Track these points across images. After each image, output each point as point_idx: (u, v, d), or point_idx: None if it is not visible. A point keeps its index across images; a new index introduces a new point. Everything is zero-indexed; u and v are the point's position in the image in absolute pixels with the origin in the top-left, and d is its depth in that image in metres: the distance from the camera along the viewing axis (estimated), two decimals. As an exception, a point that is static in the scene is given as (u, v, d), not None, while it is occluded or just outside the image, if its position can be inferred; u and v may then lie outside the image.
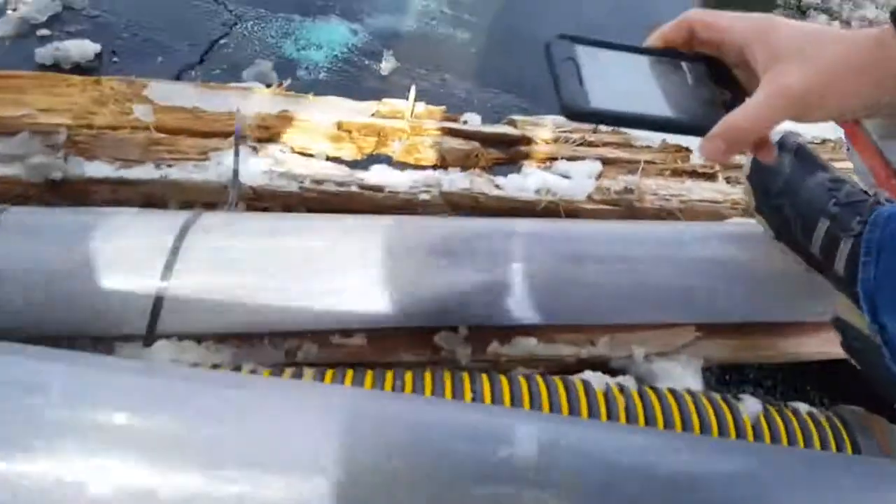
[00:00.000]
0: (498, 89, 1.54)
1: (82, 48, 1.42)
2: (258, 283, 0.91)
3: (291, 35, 1.52)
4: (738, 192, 1.23)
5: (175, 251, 0.88)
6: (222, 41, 1.48)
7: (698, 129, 0.57)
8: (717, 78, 0.62)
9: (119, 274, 0.88)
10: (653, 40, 0.63)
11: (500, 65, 1.60)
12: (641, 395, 0.93)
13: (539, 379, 0.93)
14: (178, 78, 1.42)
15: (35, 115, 1.11)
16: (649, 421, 0.88)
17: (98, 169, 1.11)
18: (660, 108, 0.58)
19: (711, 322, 1.06)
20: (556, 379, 0.94)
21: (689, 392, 0.97)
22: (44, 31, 1.47)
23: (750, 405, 0.97)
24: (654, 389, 0.95)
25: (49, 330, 0.88)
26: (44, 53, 1.42)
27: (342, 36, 1.53)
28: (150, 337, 0.92)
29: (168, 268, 0.88)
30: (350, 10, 1.60)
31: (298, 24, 1.55)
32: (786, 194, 0.91)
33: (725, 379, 1.27)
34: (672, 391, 0.96)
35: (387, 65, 1.51)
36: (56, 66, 1.42)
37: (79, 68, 1.42)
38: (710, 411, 0.92)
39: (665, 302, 1.00)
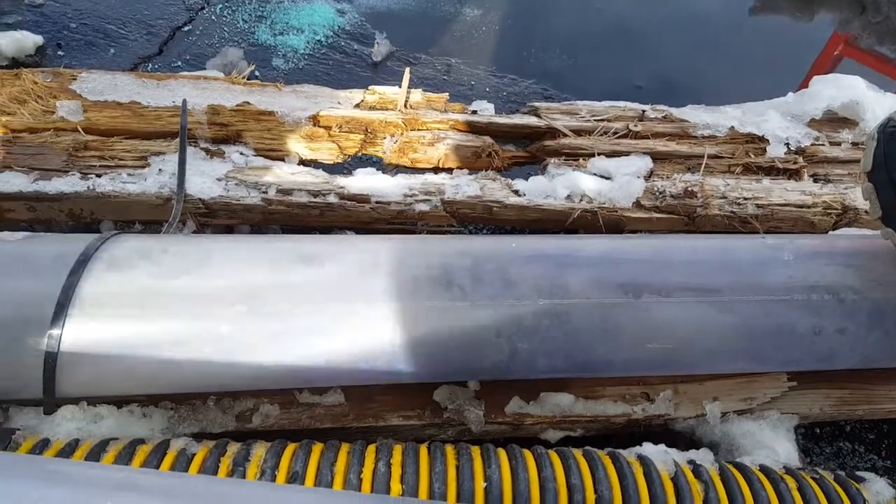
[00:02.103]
0: (516, 75, 1.28)
1: (19, 41, 1.20)
2: (188, 329, 0.66)
3: (267, 18, 1.28)
4: (830, 193, 0.95)
5: (68, 290, 0.64)
6: (186, 28, 1.25)
7: None
8: None
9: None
10: None
11: (517, 46, 1.34)
12: (726, 480, 0.66)
13: (580, 458, 0.66)
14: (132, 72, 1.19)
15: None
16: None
17: (9, 182, 0.87)
18: None
19: (810, 369, 0.78)
20: (604, 456, 0.67)
21: (790, 472, 0.69)
22: (-20, 24, 1.25)
23: (877, 488, 0.69)
24: (742, 470, 0.68)
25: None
26: (-23, 48, 1.20)
27: (326, 17, 1.29)
28: (49, 402, 0.68)
29: (60, 313, 0.64)
30: (336, -13, 1.35)
31: (275, 6, 1.31)
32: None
33: (815, 433, 0.99)
34: (766, 472, 0.68)
35: (380, 49, 1.25)
36: (-9, 63, 1.20)
37: (16, 64, 1.19)
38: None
39: (751, 345, 0.72)
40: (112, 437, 0.68)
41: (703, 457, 0.70)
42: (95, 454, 0.63)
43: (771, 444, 0.79)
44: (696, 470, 0.67)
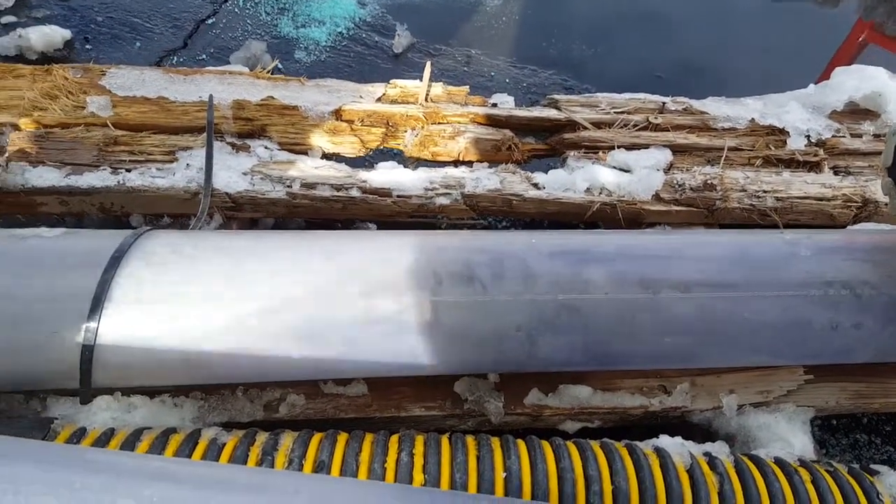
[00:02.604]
0: (536, 66, 1.28)
1: (48, 35, 1.22)
2: (218, 323, 0.69)
3: (289, 11, 1.29)
4: (850, 185, 0.95)
5: (104, 285, 0.66)
6: (210, 21, 1.26)
7: None
8: None
9: (37, 315, 0.67)
10: None
11: (536, 37, 1.33)
12: (741, 473, 0.67)
13: (597, 449, 0.68)
14: (158, 66, 1.21)
15: (-29, 113, 0.92)
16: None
17: (42, 176, 0.90)
18: None
19: (826, 363, 0.79)
20: (621, 448, 0.69)
21: (804, 465, 0.70)
22: (9, 18, 1.28)
23: (891, 481, 0.70)
24: (757, 462, 0.69)
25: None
26: (6, 43, 1.23)
27: (348, 9, 1.30)
28: (85, 393, 0.71)
29: (96, 307, 0.66)
30: (357, -21, 1.36)
31: (297, -2, 1.32)
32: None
33: (832, 424, 1.00)
34: (781, 464, 0.69)
35: (400, 41, 1.26)
36: (20, 57, 1.22)
37: (45, 58, 1.22)
38: (837, 497, 0.66)
39: (768, 340, 0.73)
40: (146, 427, 0.71)
41: (719, 449, 0.71)
42: (130, 443, 0.65)
43: (787, 436, 0.80)
44: (712, 462, 0.68)
